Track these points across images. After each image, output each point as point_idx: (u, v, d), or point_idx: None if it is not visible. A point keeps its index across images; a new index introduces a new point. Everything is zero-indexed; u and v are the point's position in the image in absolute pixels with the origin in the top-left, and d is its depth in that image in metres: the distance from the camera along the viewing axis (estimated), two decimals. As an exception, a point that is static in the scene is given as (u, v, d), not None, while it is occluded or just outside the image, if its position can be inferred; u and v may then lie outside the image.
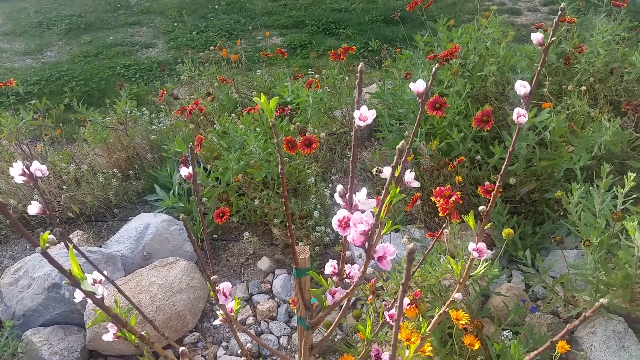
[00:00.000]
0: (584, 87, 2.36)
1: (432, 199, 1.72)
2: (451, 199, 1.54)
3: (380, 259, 0.67)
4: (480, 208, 0.88)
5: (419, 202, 2.19)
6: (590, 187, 1.83)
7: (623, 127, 2.22)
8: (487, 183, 1.86)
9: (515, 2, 6.12)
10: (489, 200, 1.97)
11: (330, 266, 0.81)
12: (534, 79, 0.79)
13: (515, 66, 2.43)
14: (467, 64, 2.47)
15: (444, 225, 0.99)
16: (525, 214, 2.27)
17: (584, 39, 2.72)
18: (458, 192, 1.59)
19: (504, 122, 2.37)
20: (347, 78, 3.24)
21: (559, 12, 0.75)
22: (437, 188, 1.72)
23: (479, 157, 2.19)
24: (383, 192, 0.63)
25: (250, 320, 2.07)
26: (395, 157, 0.54)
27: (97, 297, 0.92)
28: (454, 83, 2.34)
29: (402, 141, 0.53)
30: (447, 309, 0.96)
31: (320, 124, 2.82)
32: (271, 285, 2.23)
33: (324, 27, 5.76)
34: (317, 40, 5.38)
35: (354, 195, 0.71)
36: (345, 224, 0.68)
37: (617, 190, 1.72)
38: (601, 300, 0.57)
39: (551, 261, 2.04)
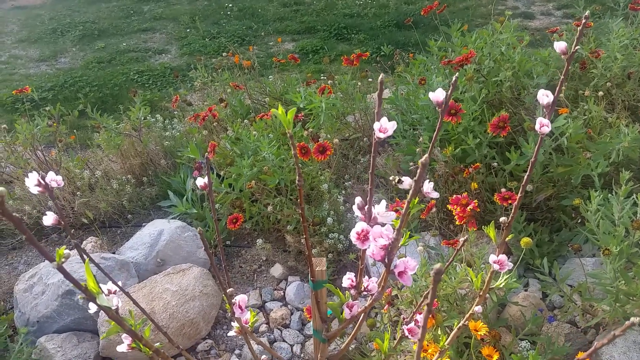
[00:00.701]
0: (601, 93, 2.32)
1: (448, 206, 1.70)
2: (468, 207, 1.52)
3: (400, 274, 0.65)
4: (502, 219, 0.86)
5: (433, 209, 2.17)
6: (609, 195, 1.79)
7: (641, 133, 2.18)
8: (503, 190, 1.83)
9: (528, 5, 6.07)
10: (506, 208, 1.94)
11: (347, 279, 0.80)
12: (557, 88, 0.77)
13: (531, 71, 2.40)
14: (482, 69, 2.44)
15: (465, 236, 0.97)
16: (542, 221, 2.24)
17: (600, 44, 2.68)
18: (475, 201, 1.57)
19: (519, 127, 2.34)
20: (359, 83, 3.23)
21: (583, 21, 0.73)
22: (454, 195, 1.70)
23: (495, 164, 2.16)
24: (405, 207, 0.62)
25: (263, 327, 2.05)
26: (419, 171, 0.53)
27: (112, 308, 0.91)
28: (469, 88, 2.32)
29: (426, 155, 0.51)
30: (467, 322, 0.94)
31: (333, 130, 2.81)
32: (284, 292, 2.22)
33: (336, 32, 5.76)
34: (329, 46, 5.38)
35: (373, 207, 0.70)
36: (364, 237, 0.67)
37: (637, 198, 1.69)
38: (632, 319, 0.55)
39: (569, 269, 2.01)
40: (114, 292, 0.96)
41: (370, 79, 3.46)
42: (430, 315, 1.38)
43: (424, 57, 2.78)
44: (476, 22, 5.44)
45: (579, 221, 2.13)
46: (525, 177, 0.84)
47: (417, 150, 2.22)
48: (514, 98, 2.43)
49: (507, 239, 0.90)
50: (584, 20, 0.72)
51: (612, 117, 2.28)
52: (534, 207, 2.22)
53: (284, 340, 1.99)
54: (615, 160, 2.02)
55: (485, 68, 2.45)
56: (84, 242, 2.41)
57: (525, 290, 2.03)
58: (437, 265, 0.41)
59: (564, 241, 2.15)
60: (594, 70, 2.49)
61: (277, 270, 2.30)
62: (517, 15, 5.61)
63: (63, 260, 0.59)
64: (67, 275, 0.62)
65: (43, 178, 0.89)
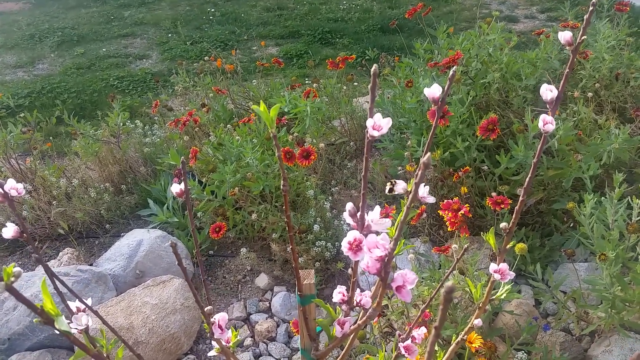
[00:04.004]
0: (590, 94, 2.29)
1: (439, 211, 1.64)
2: (460, 212, 1.46)
3: (399, 288, 0.58)
4: (502, 225, 0.79)
5: (424, 214, 2.11)
6: (602, 198, 1.75)
7: (631, 134, 2.15)
8: (494, 194, 1.78)
9: (512, 9, 6.08)
10: (497, 212, 1.88)
11: (338, 293, 0.73)
12: (562, 82, 0.71)
13: (519, 73, 2.36)
14: (469, 71, 2.40)
15: (457, 241, 0.91)
16: (532, 226, 2.19)
17: (588, 45, 2.66)
18: (467, 205, 1.51)
19: (507, 130, 2.29)
20: (345, 87, 3.17)
21: (590, 8, 0.67)
22: (443, 200, 1.64)
23: (485, 167, 2.11)
24: (404, 212, 0.55)
25: (249, 341, 1.97)
26: (420, 172, 0.46)
27: (82, 327, 0.83)
28: (457, 91, 2.27)
29: (428, 154, 0.45)
30: (465, 336, 0.87)
31: (319, 135, 2.75)
32: (270, 303, 2.13)
33: (320, 36, 5.70)
34: (314, 50, 5.32)
35: (366, 214, 0.63)
36: (357, 248, 0.60)
37: (632, 201, 1.65)
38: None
39: (562, 275, 1.96)
40: (84, 310, 0.88)
41: (355, 83, 3.40)
42: (426, 327, 1.31)
43: (410, 60, 2.73)
44: (460, 25, 5.43)
45: (570, 225, 2.09)
46: (527, 179, 0.79)
47: (405, 154, 2.16)
48: (501, 100, 2.39)
49: (508, 246, 0.84)
50: (591, 8, 0.67)
51: (601, 118, 2.24)
52: (524, 212, 2.17)
53: (270, 355, 1.91)
54: (607, 162, 1.98)
55: (473, 70, 2.40)
56: (60, 254, 2.30)
57: (518, 298, 1.98)
58: (449, 283, 0.34)
59: (556, 246, 2.11)
60: (582, 72, 2.47)
61: (262, 280, 2.22)
62: (501, 19, 5.61)
63: (12, 279, 0.52)
64: (18, 295, 0.54)
65: (1, 186, 0.81)
